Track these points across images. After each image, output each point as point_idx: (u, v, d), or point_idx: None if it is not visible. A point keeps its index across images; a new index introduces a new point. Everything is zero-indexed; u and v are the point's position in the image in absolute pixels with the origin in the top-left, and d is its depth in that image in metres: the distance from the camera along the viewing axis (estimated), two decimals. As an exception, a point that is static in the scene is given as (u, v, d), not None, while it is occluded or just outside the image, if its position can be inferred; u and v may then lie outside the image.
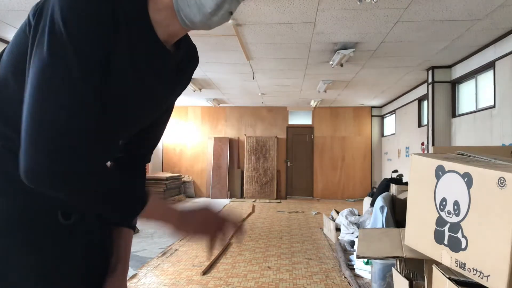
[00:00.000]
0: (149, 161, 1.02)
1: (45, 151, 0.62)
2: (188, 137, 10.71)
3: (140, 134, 0.94)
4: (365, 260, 3.29)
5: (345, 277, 3.43)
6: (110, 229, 0.93)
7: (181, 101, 10.01)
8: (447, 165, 1.14)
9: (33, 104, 0.64)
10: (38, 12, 0.69)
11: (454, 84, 6.23)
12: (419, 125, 7.89)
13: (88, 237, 0.82)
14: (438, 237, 1.15)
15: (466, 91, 6.01)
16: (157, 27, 0.79)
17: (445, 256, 1.12)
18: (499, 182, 0.93)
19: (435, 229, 1.17)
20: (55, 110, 0.63)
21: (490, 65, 5.07)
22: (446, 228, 1.12)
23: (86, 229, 0.82)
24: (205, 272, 3.54)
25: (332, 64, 5.65)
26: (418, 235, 1.27)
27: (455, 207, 1.09)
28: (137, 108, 0.82)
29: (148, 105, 0.86)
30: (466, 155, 1.29)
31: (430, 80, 6.42)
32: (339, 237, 4.68)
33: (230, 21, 4.12)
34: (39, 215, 0.74)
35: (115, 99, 0.76)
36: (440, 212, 1.15)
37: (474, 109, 5.61)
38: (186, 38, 0.92)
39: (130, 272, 3.59)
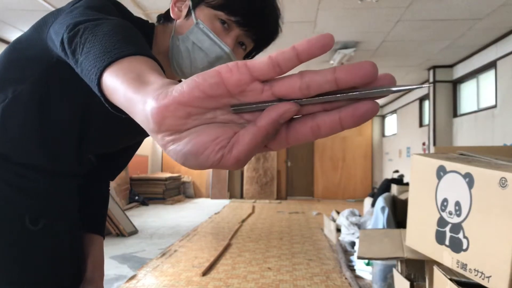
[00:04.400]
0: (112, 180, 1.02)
1: None
2: (189, 137, 10.70)
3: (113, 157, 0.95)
4: (366, 261, 3.27)
5: (345, 278, 3.41)
6: (80, 237, 0.90)
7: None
8: (449, 165, 1.13)
9: None
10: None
11: (456, 83, 6.21)
12: (420, 125, 7.87)
13: (57, 243, 0.79)
14: (439, 238, 1.14)
15: (467, 90, 5.99)
16: None
17: (446, 257, 1.10)
18: (501, 183, 0.92)
19: (436, 230, 1.15)
20: None
21: (492, 65, 5.06)
22: (447, 228, 1.11)
23: (54, 235, 0.79)
24: (204, 273, 3.53)
25: (332, 63, 5.64)
26: (419, 235, 1.25)
27: (457, 208, 1.07)
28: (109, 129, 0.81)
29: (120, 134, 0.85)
30: (468, 155, 1.27)
31: (431, 79, 6.41)
32: (340, 238, 4.66)
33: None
34: (5, 220, 0.72)
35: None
36: (441, 212, 1.14)
37: (475, 109, 5.59)
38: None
39: (129, 273, 3.58)
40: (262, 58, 0.27)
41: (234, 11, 0.75)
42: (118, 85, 0.38)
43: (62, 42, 0.55)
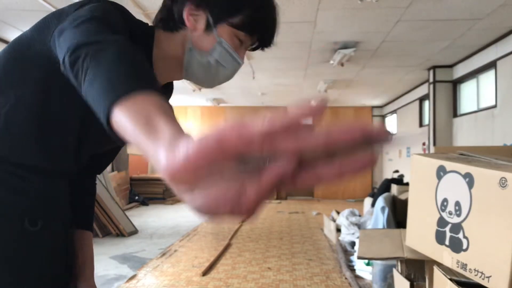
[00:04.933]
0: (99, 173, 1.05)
1: None
2: (189, 137, 10.72)
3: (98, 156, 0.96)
4: (366, 261, 3.27)
5: (345, 278, 3.41)
6: (72, 234, 0.91)
7: (180, 101, 9.99)
8: (449, 165, 1.13)
9: None
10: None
11: (456, 83, 6.21)
12: (420, 125, 7.87)
13: (53, 243, 0.81)
14: (439, 238, 1.14)
15: (467, 90, 5.99)
16: (156, 71, 0.81)
17: (446, 257, 1.10)
18: (501, 183, 0.92)
19: (436, 230, 1.15)
20: None
21: (492, 65, 5.05)
22: (447, 228, 1.11)
23: (52, 235, 0.80)
24: (204, 273, 3.53)
25: (332, 63, 5.64)
26: (419, 235, 1.25)
27: (457, 208, 1.07)
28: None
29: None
30: (468, 155, 1.27)
31: (431, 79, 6.40)
32: (340, 238, 4.66)
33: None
34: (5, 222, 0.73)
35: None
36: (441, 212, 1.14)
37: (475, 109, 5.59)
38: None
39: (129, 273, 3.58)
40: (258, 124, 0.30)
41: (253, 31, 0.82)
42: (128, 128, 0.40)
43: (63, 62, 0.57)
